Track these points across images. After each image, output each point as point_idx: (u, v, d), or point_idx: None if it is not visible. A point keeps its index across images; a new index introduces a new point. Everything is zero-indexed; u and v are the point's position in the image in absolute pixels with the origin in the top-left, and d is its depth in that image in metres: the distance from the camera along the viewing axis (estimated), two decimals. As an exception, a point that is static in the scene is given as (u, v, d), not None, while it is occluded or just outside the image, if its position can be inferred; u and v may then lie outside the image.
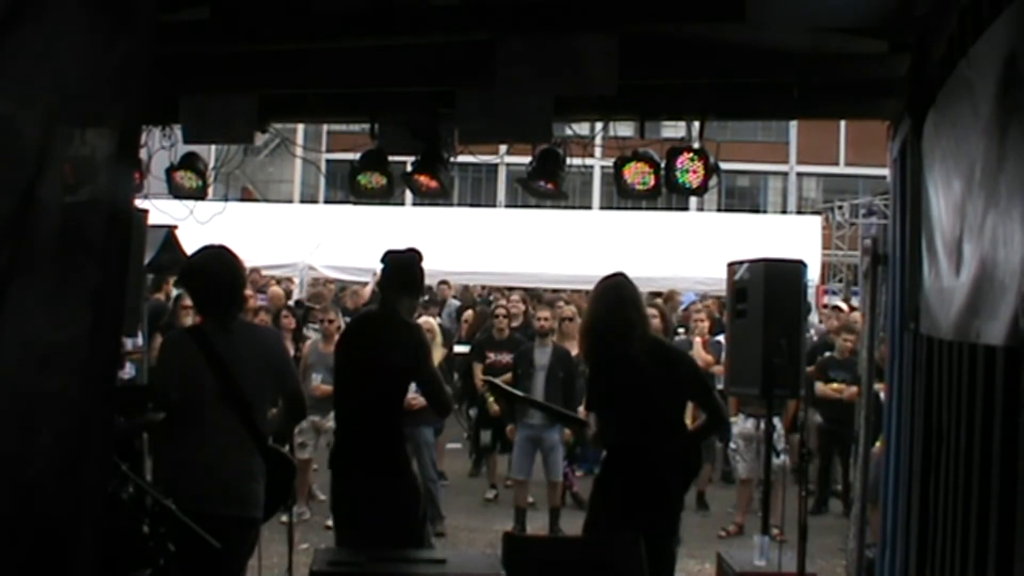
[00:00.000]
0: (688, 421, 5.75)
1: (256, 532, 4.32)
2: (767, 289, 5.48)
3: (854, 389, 8.36)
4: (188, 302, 8.11)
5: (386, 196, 6.49)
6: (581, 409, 6.55)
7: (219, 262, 4.36)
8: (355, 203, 11.98)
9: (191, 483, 4.03)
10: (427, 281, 15.13)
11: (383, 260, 4.99)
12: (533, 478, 8.36)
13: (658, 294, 11.94)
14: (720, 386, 8.50)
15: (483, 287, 15.49)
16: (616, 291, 4.98)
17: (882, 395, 5.77)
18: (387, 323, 4.88)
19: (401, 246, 5.07)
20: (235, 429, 4.15)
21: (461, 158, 6.44)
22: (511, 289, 13.32)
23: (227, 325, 4.27)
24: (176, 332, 4.34)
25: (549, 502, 8.18)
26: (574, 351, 8.82)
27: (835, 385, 8.94)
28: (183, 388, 4.17)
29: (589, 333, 5.06)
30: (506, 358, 8.95)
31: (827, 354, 9.29)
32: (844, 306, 11.81)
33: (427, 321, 8.38)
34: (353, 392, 4.88)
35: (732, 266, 5.82)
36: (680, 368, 5.03)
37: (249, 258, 13.64)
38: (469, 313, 12.46)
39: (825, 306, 12.71)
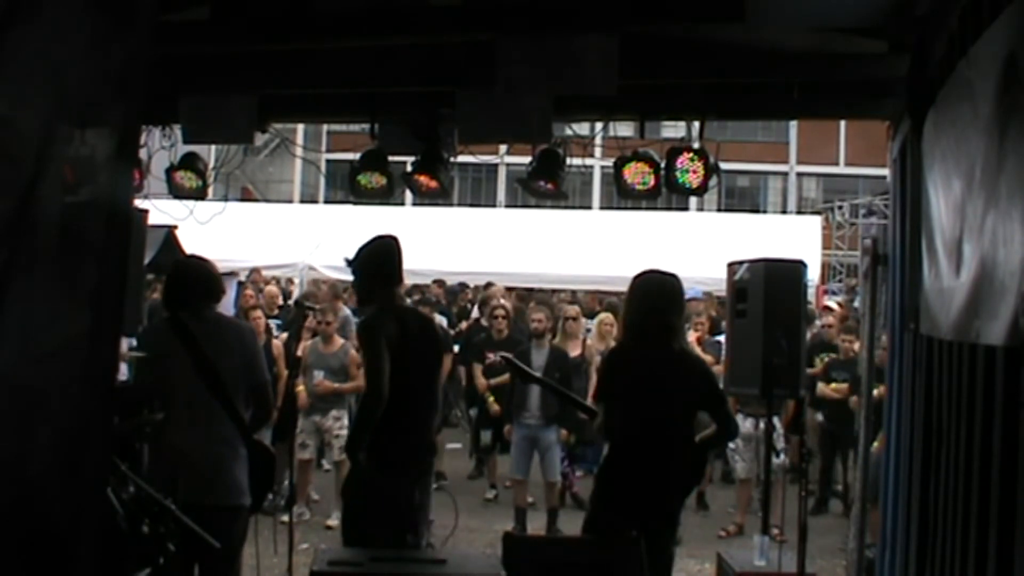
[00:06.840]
0: None
1: (245, 520, 4.32)
2: (767, 289, 5.48)
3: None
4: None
5: (386, 196, 6.50)
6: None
7: (191, 263, 4.78)
8: (355, 203, 11.96)
9: (176, 471, 4.07)
10: (424, 280, 15.05)
11: (361, 263, 4.90)
12: (533, 478, 8.36)
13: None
14: (720, 386, 8.51)
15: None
16: (660, 289, 4.92)
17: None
18: (427, 318, 5.07)
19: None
20: (215, 412, 4.20)
21: (461, 158, 6.44)
22: (510, 289, 13.30)
23: (201, 315, 4.40)
24: (153, 322, 4.51)
25: (547, 502, 8.18)
26: (576, 351, 8.84)
27: (835, 385, 8.94)
28: (162, 372, 4.25)
29: (624, 325, 5.28)
30: (505, 358, 8.95)
31: (832, 355, 9.28)
32: (835, 306, 11.80)
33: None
34: (418, 388, 4.82)
35: (732, 266, 5.81)
36: (695, 375, 4.96)
37: (249, 258, 13.72)
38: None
39: (825, 307, 12.73)
